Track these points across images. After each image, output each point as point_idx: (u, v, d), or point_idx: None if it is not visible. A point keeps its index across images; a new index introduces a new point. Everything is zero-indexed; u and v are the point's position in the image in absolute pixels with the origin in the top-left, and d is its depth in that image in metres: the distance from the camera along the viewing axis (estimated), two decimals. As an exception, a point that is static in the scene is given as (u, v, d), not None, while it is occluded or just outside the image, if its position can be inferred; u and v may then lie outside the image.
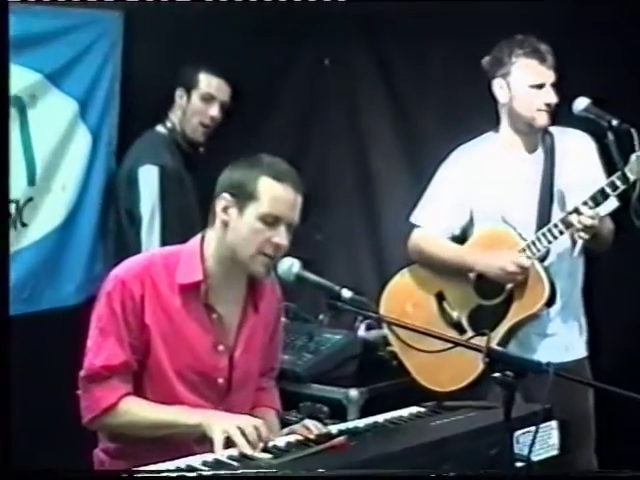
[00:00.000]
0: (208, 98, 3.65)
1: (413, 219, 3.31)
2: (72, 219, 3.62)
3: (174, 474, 2.04)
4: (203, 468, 2.08)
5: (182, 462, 2.11)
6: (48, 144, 3.48)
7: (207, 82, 3.65)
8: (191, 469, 2.07)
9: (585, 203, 2.90)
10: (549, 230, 3.01)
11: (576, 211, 2.91)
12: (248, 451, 2.18)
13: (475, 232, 3.22)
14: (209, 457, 2.15)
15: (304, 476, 2.00)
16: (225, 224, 2.42)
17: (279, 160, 2.46)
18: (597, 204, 2.90)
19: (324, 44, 4.18)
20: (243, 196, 2.38)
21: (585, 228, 2.90)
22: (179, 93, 3.66)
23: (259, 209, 2.37)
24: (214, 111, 3.66)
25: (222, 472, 2.06)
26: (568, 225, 2.95)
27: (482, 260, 3.10)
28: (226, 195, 2.41)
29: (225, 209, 2.41)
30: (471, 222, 3.24)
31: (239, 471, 2.06)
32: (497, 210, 3.14)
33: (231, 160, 2.48)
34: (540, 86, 3.07)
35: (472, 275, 3.16)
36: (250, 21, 3.69)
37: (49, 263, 3.54)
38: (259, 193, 2.37)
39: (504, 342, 3.07)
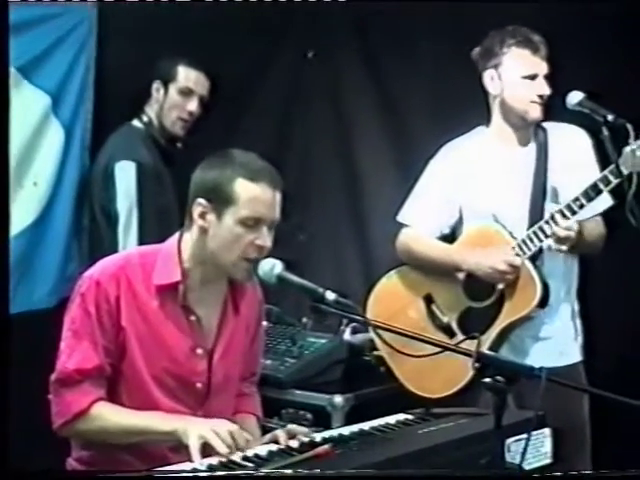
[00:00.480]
0: (187, 92, 3.58)
1: (400, 218, 3.26)
2: (45, 217, 3.55)
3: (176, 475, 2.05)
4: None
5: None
6: (19, 139, 3.40)
7: (185, 75, 3.59)
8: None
9: (561, 211, 2.85)
10: (540, 228, 2.95)
11: (552, 219, 2.87)
12: (224, 450, 2.13)
13: (464, 230, 3.17)
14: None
15: (304, 476, 1.99)
16: (204, 230, 2.36)
17: (252, 156, 2.39)
18: (590, 199, 2.83)
19: (307, 37, 4.13)
20: (219, 201, 2.32)
21: (559, 239, 2.84)
22: (155, 86, 3.60)
23: (238, 213, 2.31)
24: (192, 106, 3.59)
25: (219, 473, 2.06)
26: (546, 235, 2.91)
27: (471, 259, 3.04)
28: (202, 200, 2.34)
29: (202, 215, 2.35)
30: (461, 220, 3.19)
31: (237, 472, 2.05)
32: (487, 208, 3.08)
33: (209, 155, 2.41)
34: (533, 77, 3.02)
35: (461, 275, 3.11)
36: (230, 13, 3.64)
37: (21, 264, 3.46)
38: (236, 196, 2.30)
39: (496, 346, 3.02)
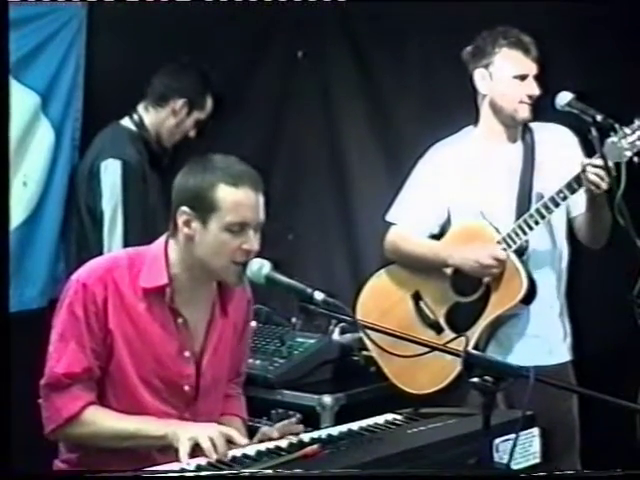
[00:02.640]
0: (199, 122, 3.63)
1: (389, 217, 3.26)
2: (34, 217, 3.54)
3: (164, 475, 2.05)
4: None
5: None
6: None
7: (208, 109, 3.63)
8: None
9: (545, 204, 2.89)
10: (524, 221, 2.97)
11: (537, 211, 2.89)
12: (214, 456, 2.13)
13: (451, 227, 3.17)
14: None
15: (293, 476, 1.99)
16: (190, 238, 2.35)
17: (232, 160, 2.38)
18: (573, 192, 2.85)
19: (297, 37, 4.10)
20: (203, 208, 2.31)
21: (593, 183, 2.78)
22: (181, 103, 3.57)
23: (222, 219, 2.30)
24: (193, 132, 3.64)
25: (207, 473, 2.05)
26: (580, 183, 2.83)
27: (457, 254, 3.05)
28: (185, 208, 2.33)
29: (187, 223, 2.34)
30: (449, 220, 3.19)
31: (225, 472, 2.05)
32: (476, 207, 3.08)
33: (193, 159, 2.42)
34: (523, 77, 3.02)
35: (448, 270, 3.11)
36: (220, 13, 3.63)
37: (11, 264, 3.44)
38: (219, 203, 2.30)
39: (483, 341, 3.03)
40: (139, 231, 3.32)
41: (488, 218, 3.05)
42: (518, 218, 3.01)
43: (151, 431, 2.29)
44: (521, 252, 3.01)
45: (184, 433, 2.20)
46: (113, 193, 3.41)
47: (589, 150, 2.87)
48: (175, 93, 3.56)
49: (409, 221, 3.19)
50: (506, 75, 3.03)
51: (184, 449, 2.16)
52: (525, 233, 2.96)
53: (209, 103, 3.62)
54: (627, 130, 2.75)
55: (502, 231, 3.01)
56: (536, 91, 3.01)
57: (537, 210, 2.93)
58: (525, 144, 3.10)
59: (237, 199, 2.30)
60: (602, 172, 2.77)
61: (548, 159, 3.07)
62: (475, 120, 3.16)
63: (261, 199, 2.35)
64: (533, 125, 3.11)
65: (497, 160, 3.11)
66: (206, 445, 2.14)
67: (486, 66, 3.05)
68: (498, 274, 2.98)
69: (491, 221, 3.04)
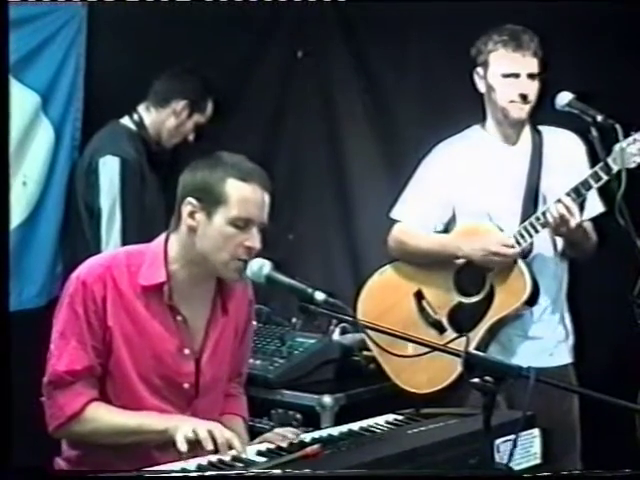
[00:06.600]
0: (199, 126, 3.64)
1: (394, 214, 3.25)
2: (34, 217, 3.54)
3: (178, 474, 2.05)
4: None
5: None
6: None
7: (209, 113, 3.65)
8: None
9: (568, 195, 2.85)
10: (530, 223, 2.96)
11: (543, 214, 2.88)
12: (210, 447, 2.15)
13: (458, 224, 3.15)
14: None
15: (302, 476, 1.99)
16: (192, 230, 2.35)
17: (242, 158, 2.39)
18: (579, 196, 2.84)
19: (298, 37, 4.11)
20: (210, 200, 2.32)
21: (559, 221, 2.83)
22: (183, 105, 3.59)
23: (229, 213, 2.31)
24: (192, 136, 3.65)
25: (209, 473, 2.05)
26: (546, 218, 2.89)
27: (466, 245, 3.04)
28: (191, 200, 2.34)
29: (192, 214, 2.35)
30: (454, 218, 3.17)
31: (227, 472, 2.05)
32: (481, 206, 3.07)
33: (197, 157, 2.42)
34: (514, 75, 2.99)
35: (451, 270, 3.09)
36: (220, 12, 3.63)
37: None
38: (227, 196, 2.31)
39: (485, 342, 3.02)
40: (137, 231, 3.33)
41: (493, 218, 3.04)
42: (523, 219, 3.00)
43: (153, 426, 2.30)
44: (525, 254, 3.00)
45: (185, 425, 2.21)
46: (111, 189, 3.41)
47: (595, 159, 2.87)
48: (177, 95, 3.58)
49: (414, 218, 3.18)
50: (497, 73, 3.00)
51: (181, 437, 2.17)
52: (531, 235, 2.95)
53: (209, 107, 3.64)
54: (637, 136, 2.74)
55: (507, 233, 3.00)
56: (528, 90, 2.98)
57: (544, 213, 2.91)
58: (534, 146, 3.08)
59: (245, 194, 2.31)
60: (563, 210, 2.81)
61: (555, 163, 3.05)
62: (482, 118, 3.14)
63: (267, 199, 2.36)
64: (542, 128, 3.09)
65: (503, 160, 3.10)
66: (203, 436, 2.16)
67: (482, 64, 3.04)
68: (507, 264, 2.97)
69: (497, 222, 3.03)
